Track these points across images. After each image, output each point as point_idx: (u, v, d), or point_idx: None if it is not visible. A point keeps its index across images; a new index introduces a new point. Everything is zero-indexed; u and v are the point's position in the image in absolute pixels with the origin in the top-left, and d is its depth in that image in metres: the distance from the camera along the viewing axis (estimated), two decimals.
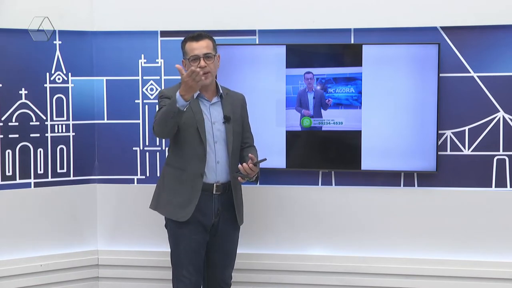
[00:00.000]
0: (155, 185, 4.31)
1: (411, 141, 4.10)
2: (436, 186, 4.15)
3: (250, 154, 3.49)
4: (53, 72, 4.27)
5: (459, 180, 4.13)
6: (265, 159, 3.53)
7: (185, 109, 3.31)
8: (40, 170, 4.26)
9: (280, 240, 4.30)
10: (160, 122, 3.39)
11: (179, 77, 4.19)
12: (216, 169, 3.54)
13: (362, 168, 4.15)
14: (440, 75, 4.04)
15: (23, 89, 4.20)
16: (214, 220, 3.57)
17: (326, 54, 4.18)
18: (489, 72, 4.05)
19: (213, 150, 3.53)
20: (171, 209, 3.55)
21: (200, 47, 3.50)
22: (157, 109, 3.62)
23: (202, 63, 3.48)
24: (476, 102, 4.08)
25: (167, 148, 3.93)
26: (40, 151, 4.26)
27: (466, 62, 4.07)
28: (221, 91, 3.61)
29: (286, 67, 4.17)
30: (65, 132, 4.33)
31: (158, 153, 4.36)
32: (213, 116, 3.56)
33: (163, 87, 4.33)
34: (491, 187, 4.10)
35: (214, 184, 3.54)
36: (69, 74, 4.32)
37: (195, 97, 3.52)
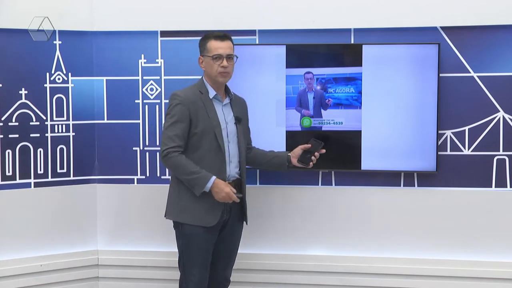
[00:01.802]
0: (155, 185, 4.31)
1: (411, 141, 4.10)
2: (436, 186, 4.14)
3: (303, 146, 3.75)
4: (53, 72, 4.27)
5: (459, 180, 4.13)
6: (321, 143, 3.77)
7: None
8: (40, 170, 4.26)
9: (280, 240, 4.30)
10: (179, 173, 3.50)
11: (179, 77, 4.23)
12: (229, 168, 3.59)
13: (362, 168, 4.15)
14: (440, 75, 4.04)
15: (23, 89, 4.20)
16: (225, 217, 3.60)
17: (326, 54, 4.18)
18: (489, 72, 4.05)
19: (227, 150, 3.58)
20: (197, 216, 3.53)
21: (224, 47, 3.57)
22: (167, 111, 3.58)
23: (225, 63, 3.55)
24: (476, 102, 4.07)
25: None
26: (40, 151, 4.26)
27: (466, 62, 4.06)
28: (231, 93, 3.68)
29: (286, 67, 4.17)
30: (65, 132, 4.33)
31: (158, 153, 4.35)
32: (226, 117, 3.61)
33: (163, 87, 4.33)
34: (491, 187, 4.10)
35: (227, 182, 3.57)
36: (69, 74, 4.32)
37: (211, 97, 3.58)
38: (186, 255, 3.58)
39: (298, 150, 3.79)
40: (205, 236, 3.55)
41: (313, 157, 3.75)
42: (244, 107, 3.80)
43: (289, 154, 3.81)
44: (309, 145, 3.76)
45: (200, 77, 3.69)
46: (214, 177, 3.47)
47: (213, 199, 3.51)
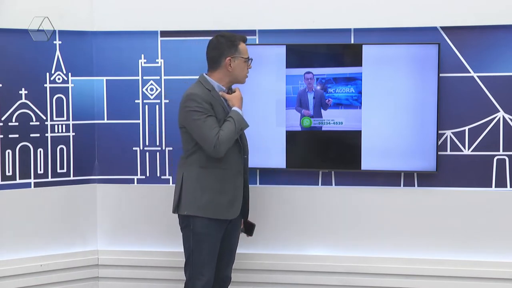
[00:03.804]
0: (155, 185, 4.30)
1: (411, 141, 4.10)
2: (436, 186, 4.14)
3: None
4: (53, 72, 4.27)
5: (459, 180, 4.13)
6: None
7: None
8: (40, 170, 4.26)
9: (280, 240, 4.30)
10: (231, 140, 3.47)
11: (179, 77, 4.23)
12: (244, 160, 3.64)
13: (362, 168, 4.15)
14: (440, 75, 4.04)
15: (23, 89, 4.20)
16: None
17: (326, 54, 4.18)
18: (489, 72, 4.05)
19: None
20: (218, 209, 3.52)
21: None
22: (192, 111, 3.47)
23: (251, 65, 3.64)
24: (476, 102, 4.07)
25: (184, 151, 3.73)
26: (40, 151, 4.26)
27: (466, 62, 4.06)
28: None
29: (286, 67, 4.17)
30: (65, 132, 4.33)
31: (158, 153, 4.36)
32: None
33: (163, 87, 4.33)
34: (491, 187, 4.10)
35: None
36: (69, 74, 4.32)
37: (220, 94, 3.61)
38: (197, 254, 3.54)
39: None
40: (216, 234, 3.55)
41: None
42: None
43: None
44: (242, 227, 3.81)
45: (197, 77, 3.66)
46: (232, 109, 3.55)
47: (232, 193, 3.54)
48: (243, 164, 3.63)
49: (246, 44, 3.58)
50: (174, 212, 3.61)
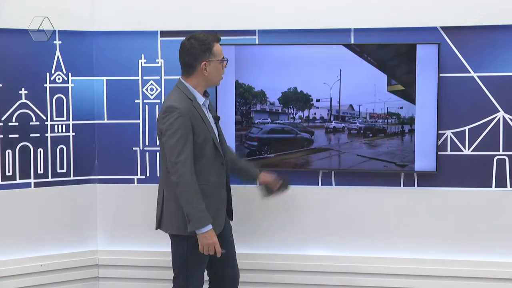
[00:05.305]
0: (155, 185, 4.29)
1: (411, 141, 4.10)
2: (436, 186, 4.14)
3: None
4: (53, 72, 4.27)
5: (459, 180, 4.13)
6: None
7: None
8: (40, 170, 4.26)
9: (280, 240, 4.30)
10: (186, 200, 3.32)
11: (179, 77, 4.21)
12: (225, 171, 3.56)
13: (362, 168, 4.15)
14: (440, 75, 4.04)
15: (23, 89, 4.20)
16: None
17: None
18: (489, 72, 4.05)
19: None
20: None
21: None
22: (168, 125, 3.33)
23: (226, 64, 3.51)
24: (476, 102, 4.07)
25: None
26: (40, 151, 4.26)
27: (466, 62, 4.06)
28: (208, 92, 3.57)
29: None
30: (65, 132, 4.33)
31: (158, 153, 4.35)
32: (210, 119, 3.52)
33: (163, 87, 4.33)
34: (491, 187, 4.10)
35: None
36: (69, 74, 4.32)
37: (201, 103, 3.45)
38: (192, 262, 3.50)
39: (268, 180, 3.74)
40: None
41: (272, 194, 3.76)
42: (212, 103, 3.65)
43: (259, 176, 3.75)
44: (278, 184, 3.76)
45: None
46: (210, 225, 3.35)
47: (215, 208, 3.45)
48: (226, 174, 3.55)
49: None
50: (156, 228, 3.55)
